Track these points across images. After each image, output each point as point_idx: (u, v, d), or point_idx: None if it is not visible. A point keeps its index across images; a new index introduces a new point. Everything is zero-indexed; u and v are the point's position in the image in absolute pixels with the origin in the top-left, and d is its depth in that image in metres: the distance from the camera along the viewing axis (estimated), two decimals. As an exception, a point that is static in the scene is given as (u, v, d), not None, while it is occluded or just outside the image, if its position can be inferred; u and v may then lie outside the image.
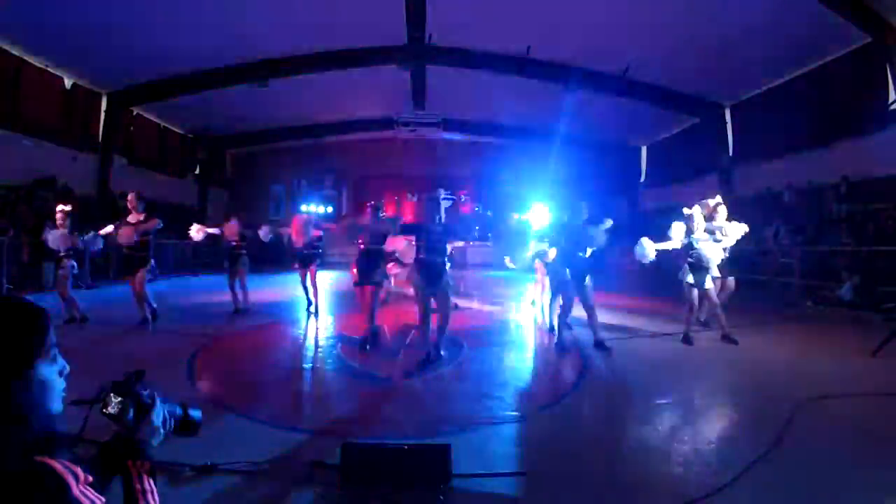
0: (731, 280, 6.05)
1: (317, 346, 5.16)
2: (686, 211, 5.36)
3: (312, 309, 6.83)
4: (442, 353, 4.40)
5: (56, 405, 0.85)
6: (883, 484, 2.28)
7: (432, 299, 4.37)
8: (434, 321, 4.39)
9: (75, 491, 0.72)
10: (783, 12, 8.55)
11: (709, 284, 5.21)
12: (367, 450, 2.30)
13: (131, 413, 0.99)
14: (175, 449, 2.41)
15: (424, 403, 3.36)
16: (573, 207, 5.15)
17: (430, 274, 4.28)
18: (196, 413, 1.19)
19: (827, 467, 2.41)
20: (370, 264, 4.94)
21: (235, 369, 4.34)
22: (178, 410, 1.14)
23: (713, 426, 3.03)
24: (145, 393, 1.03)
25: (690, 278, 5.21)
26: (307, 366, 4.39)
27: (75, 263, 5.97)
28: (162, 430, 1.05)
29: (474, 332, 5.70)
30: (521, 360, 4.67)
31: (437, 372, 4.06)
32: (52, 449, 0.76)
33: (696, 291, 5.21)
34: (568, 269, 4.96)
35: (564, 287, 5.02)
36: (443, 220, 4.55)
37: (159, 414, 1.04)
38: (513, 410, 3.20)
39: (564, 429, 2.91)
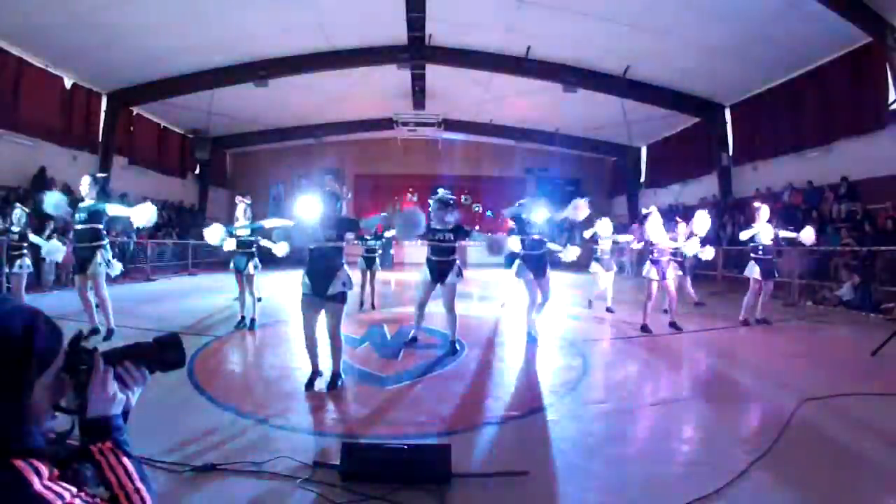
0: (770, 283, 6.37)
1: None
2: (644, 210, 6.06)
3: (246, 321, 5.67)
4: (457, 345, 4.69)
5: (45, 416, 0.83)
6: (883, 484, 2.28)
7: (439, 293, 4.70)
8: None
9: (37, 487, 0.71)
10: (783, 12, 8.56)
11: (671, 276, 5.81)
12: (367, 450, 2.30)
13: (71, 390, 0.86)
14: (175, 449, 2.43)
15: (424, 403, 3.36)
16: (533, 206, 5.22)
17: (439, 271, 4.62)
18: (172, 348, 1.01)
19: (827, 467, 2.41)
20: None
21: (235, 369, 4.34)
22: (145, 350, 0.98)
23: (713, 426, 3.02)
24: (83, 360, 0.89)
25: (651, 272, 5.75)
26: (306, 366, 4.39)
27: (30, 263, 6.04)
28: (120, 395, 0.92)
29: (474, 332, 5.71)
30: (520, 360, 4.67)
31: (437, 372, 4.06)
32: (27, 449, 0.75)
33: (655, 284, 5.74)
34: (528, 266, 5.16)
35: (528, 283, 5.23)
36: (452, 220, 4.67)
37: (105, 378, 0.90)
38: (513, 410, 3.20)
39: (564, 428, 2.91)
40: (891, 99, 8.99)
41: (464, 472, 2.22)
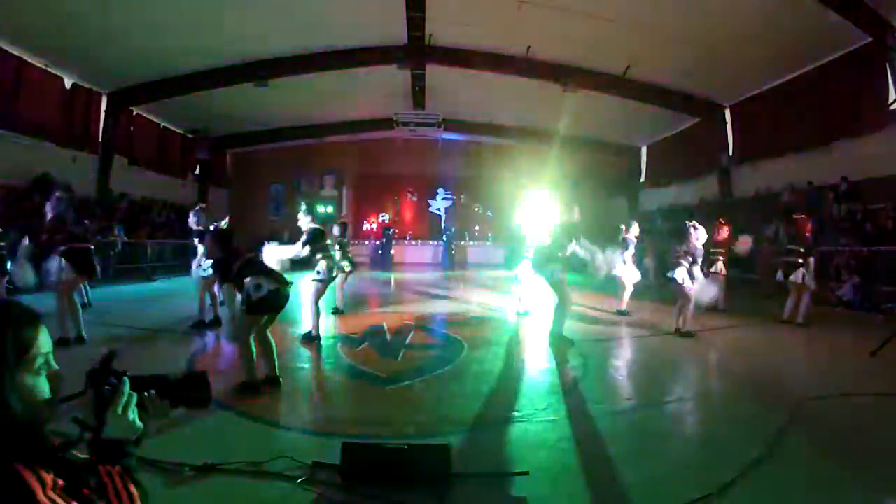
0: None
1: (317, 346, 5.15)
2: (687, 222, 5.87)
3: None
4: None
5: (39, 412, 0.80)
6: (882, 484, 2.28)
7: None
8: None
9: (41, 497, 0.71)
10: (783, 12, 8.55)
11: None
12: (367, 450, 2.30)
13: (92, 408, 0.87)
14: (175, 449, 2.42)
15: (424, 403, 3.36)
16: (567, 209, 5.24)
17: None
18: (199, 386, 1.03)
19: (826, 467, 2.41)
20: None
21: (235, 369, 4.33)
22: (171, 383, 0.99)
23: (713, 426, 3.02)
24: (110, 380, 0.90)
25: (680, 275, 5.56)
26: (307, 366, 4.39)
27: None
28: (138, 423, 0.92)
29: (474, 332, 5.70)
30: (520, 360, 4.66)
31: (437, 372, 4.07)
32: (33, 455, 0.74)
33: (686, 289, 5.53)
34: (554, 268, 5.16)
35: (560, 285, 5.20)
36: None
37: (128, 403, 0.90)
38: (513, 410, 3.20)
39: (564, 428, 2.91)
40: (891, 99, 8.99)
41: (464, 472, 2.22)
